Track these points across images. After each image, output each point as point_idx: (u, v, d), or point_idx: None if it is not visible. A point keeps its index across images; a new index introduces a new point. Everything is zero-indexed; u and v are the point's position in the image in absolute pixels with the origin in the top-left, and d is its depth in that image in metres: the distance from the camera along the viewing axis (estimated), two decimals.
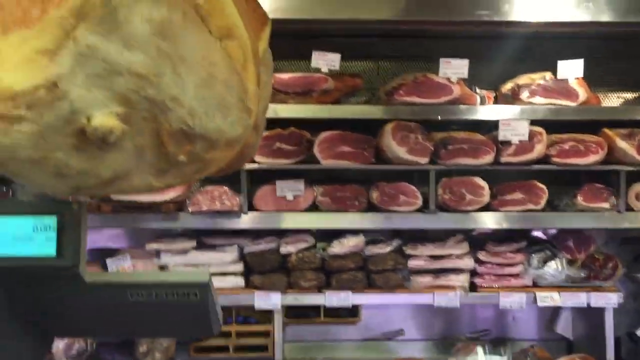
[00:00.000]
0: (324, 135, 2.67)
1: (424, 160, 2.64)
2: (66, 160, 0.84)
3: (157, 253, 2.72)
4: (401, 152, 2.61)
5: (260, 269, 2.77)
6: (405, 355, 3.03)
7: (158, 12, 0.84)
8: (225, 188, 2.62)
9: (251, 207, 2.68)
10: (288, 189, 2.69)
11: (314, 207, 2.73)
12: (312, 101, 2.71)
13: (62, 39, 0.80)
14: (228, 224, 2.67)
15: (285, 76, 2.71)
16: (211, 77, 0.90)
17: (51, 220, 0.96)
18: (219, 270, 2.73)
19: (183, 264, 2.71)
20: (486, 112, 2.67)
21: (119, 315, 1.05)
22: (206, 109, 0.90)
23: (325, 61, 2.68)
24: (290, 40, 2.71)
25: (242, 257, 2.79)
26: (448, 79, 2.65)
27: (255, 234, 2.82)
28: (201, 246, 2.77)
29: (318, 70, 2.69)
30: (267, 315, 2.84)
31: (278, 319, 2.79)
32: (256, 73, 0.97)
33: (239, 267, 2.76)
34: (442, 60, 2.64)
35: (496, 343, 3.13)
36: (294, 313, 2.92)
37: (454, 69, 2.64)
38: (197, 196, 2.61)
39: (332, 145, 2.67)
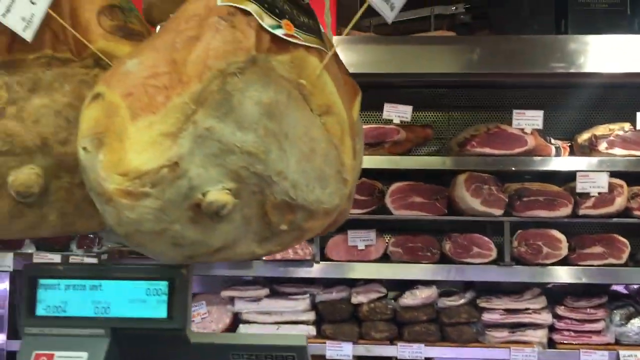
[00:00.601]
0: (396, 185, 2.71)
1: (498, 212, 2.62)
2: (182, 231, 0.91)
3: (231, 300, 2.79)
4: (475, 203, 2.60)
5: (331, 319, 2.79)
6: None
7: (267, 94, 0.91)
8: None
9: (323, 256, 2.73)
10: (360, 238, 2.72)
11: (385, 257, 2.75)
12: (383, 152, 2.76)
13: (183, 123, 0.88)
14: (300, 273, 2.72)
15: None
16: (312, 152, 0.96)
17: (163, 285, 1.03)
18: (291, 318, 2.77)
19: (256, 311, 2.77)
20: (563, 163, 2.64)
21: None
22: (307, 181, 0.96)
23: (397, 113, 2.74)
24: (362, 92, 2.79)
25: (314, 305, 2.82)
26: (522, 130, 2.65)
27: (326, 283, 2.85)
28: (274, 294, 2.83)
29: (390, 121, 2.74)
30: None
31: None
32: (352, 146, 1.02)
33: (311, 316, 2.79)
34: (516, 112, 2.65)
35: None
36: None
37: (527, 119, 2.64)
38: None
39: (404, 195, 2.70)
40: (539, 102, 2.95)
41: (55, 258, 2.54)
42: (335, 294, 2.81)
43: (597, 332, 2.67)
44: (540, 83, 2.92)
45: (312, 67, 0.97)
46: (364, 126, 2.78)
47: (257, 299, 2.79)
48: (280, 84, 0.94)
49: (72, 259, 2.53)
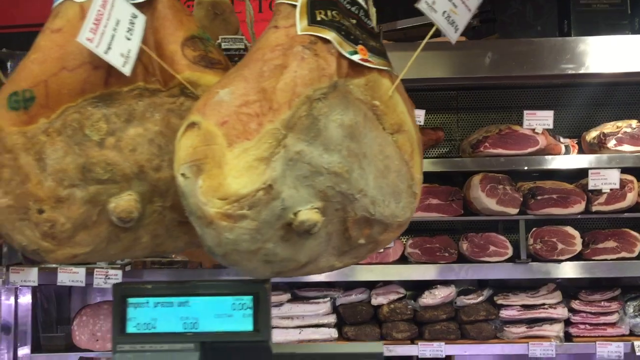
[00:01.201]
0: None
1: (513, 210, 2.70)
2: (274, 249, 0.97)
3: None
4: (491, 203, 2.68)
5: (352, 321, 2.85)
6: None
7: (347, 117, 0.97)
8: None
9: None
10: None
11: (403, 259, 2.82)
12: None
13: (275, 147, 0.94)
14: (320, 277, 2.77)
15: None
16: (386, 168, 1.02)
17: (248, 300, 1.09)
18: (313, 322, 2.82)
19: (278, 316, 2.82)
20: (574, 161, 2.73)
21: None
22: (383, 197, 1.02)
23: None
24: None
25: (335, 308, 2.88)
26: (533, 130, 2.73)
27: (346, 286, 2.91)
28: (295, 298, 2.88)
29: None
30: None
31: None
32: (420, 161, 1.09)
33: (332, 318, 2.85)
34: (526, 112, 2.72)
35: None
36: None
37: (538, 119, 2.72)
38: None
39: (421, 198, 2.76)
40: (545, 102, 3.04)
41: (80, 271, 2.57)
42: (355, 296, 2.88)
43: (612, 324, 2.77)
44: (547, 84, 3.01)
45: (384, 89, 1.03)
46: None
47: (279, 304, 2.84)
48: (358, 106, 1.00)
49: (97, 272, 2.56)
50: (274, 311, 2.83)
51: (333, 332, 2.85)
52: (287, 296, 2.86)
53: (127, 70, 1.00)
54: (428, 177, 2.80)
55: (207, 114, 0.95)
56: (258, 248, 0.96)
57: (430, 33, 1.07)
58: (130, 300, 1.09)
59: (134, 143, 1.03)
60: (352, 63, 1.00)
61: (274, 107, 0.95)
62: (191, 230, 1.00)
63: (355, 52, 1.00)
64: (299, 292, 2.92)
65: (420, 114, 2.80)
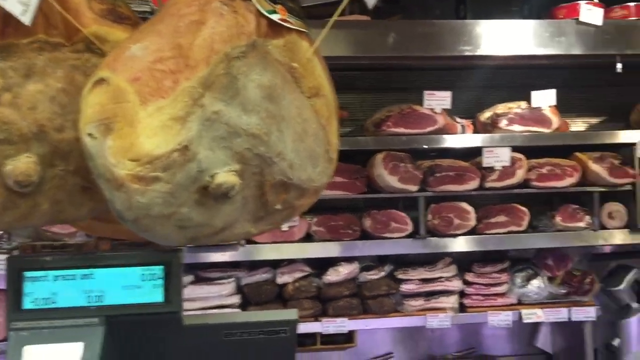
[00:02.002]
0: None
1: (414, 188, 2.80)
2: (189, 214, 0.93)
3: None
4: (393, 180, 2.76)
5: (257, 300, 2.84)
6: None
7: (266, 78, 0.95)
8: None
9: (247, 239, 2.76)
10: None
11: (308, 237, 2.84)
12: None
13: (191, 107, 0.90)
14: (225, 257, 2.74)
15: None
16: (304, 132, 1.02)
17: (158, 270, 1.04)
18: (217, 303, 2.78)
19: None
20: (469, 139, 2.87)
21: (213, 356, 1.12)
22: (301, 160, 1.01)
23: None
24: None
25: (239, 289, 2.85)
26: (432, 110, 2.84)
27: (251, 266, 2.90)
28: (198, 280, 2.82)
29: None
30: None
31: None
32: (337, 126, 1.09)
33: (237, 299, 2.82)
34: (426, 93, 2.83)
35: (481, 359, 3.31)
36: None
37: (437, 100, 2.83)
38: None
39: None
40: (444, 84, 3.15)
41: None
42: (260, 276, 2.87)
43: (502, 295, 2.96)
44: (446, 65, 3.13)
45: (303, 51, 1.02)
46: None
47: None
48: (276, 67, 0.98)
49: None
50: None
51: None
52: (190, 278, 2.80)
53: (26, 19, 0.92)
54: None
55: (118, 70, 0.90)
56: (172, 212, 0.92)
57: (340, 9, 1.06)
58: (27, 274, 1.01)
59: (34, 100, 0.95)
60: (271, 23, 0.98)
61: (190, 64, 0.91)
62: (96, 197, 0.94)
63: (275, 12, 0.98)
64: (202, 274, 2.86)
65: None
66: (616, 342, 2.98)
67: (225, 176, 0.93)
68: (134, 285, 1.04)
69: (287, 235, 2.80)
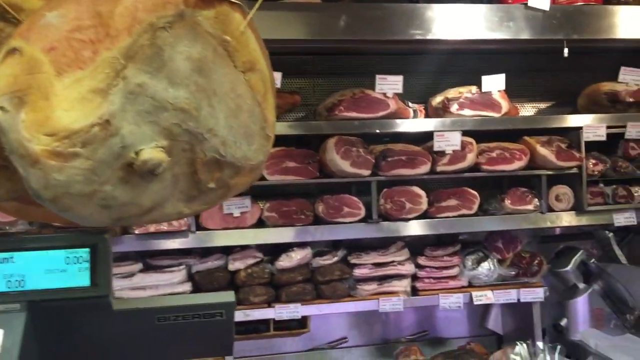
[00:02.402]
0: (271, 151, 2.75)
1: (366, 172, 2.79)
2: (113, 192, 0.88)
3: None
4: (345, 165, 2.74)
5: (208, 287, 2.79)
6: None
7: (196, 50, 0.91)
8: None
9: (198, 226, 2.71)
10: (235, 206, 2.74)
11: (260, 223, 2.80)
12: None
13: (113, 79, 0.85)
14: (175, 244, 2.68)
15: None
16: (238, 108, 0.97)
17: (84, 252, 0.99)
18: (168, 291, 2.72)
19: (130, 287, 2.69)
20: (420, 124, 2.87)
21: (146, 341, 1.08)
22: (235, 138, 0.97)
23: None
24: None
25: (191, 276, 2.80)
26: (384, 94, 2.83)
27: (203, 253, 2.84)
28: (148, 268, 2.76)
29: None
30: None
31: None
32: (274, 103, 1.05)
33: (187, 286, 2.77)
34: (378, 77, 2.81)
35: (434, 342, 3.35)
36: (243, 329, 2.96)
37: (389, 84, 2.82)
38: None
39: (277, 161, 2.76)
40: (397, 69, 3.15)
41: None
42: (211, 263, 2.82)
43: (453, 277, 2.99)
44: (398, 50, 3.12)
45: (235, 23, 0.98)
46: None
47: (130, 275, 2.71)
48: (207, 39, 0.94)
49: None
50: (124, 283, 2.69)
51: None
52: (139, 266, 2.73)
53: None
54: (285, 140, 2.81)
55: (32, 39, 0.84)
56: (94, 191, 0.87)
57: None
58: None
59: None
60: None
61: (111, 33, 0.85)
62: (14, 177, 0.88)
63: None
64: (151, 261, 2.80)
65: (277, 76, 2.78)
66: (563, 322, 3.05)
67: (152, 152, 0.88)
68: (57, 269, 0.98)
69: (239, 221, 2.76)
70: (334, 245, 3.05)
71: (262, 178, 2.75)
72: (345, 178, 2.81)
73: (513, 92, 3.24)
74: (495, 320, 3.37)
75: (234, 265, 2.82)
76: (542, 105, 3.45)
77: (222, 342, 1.12)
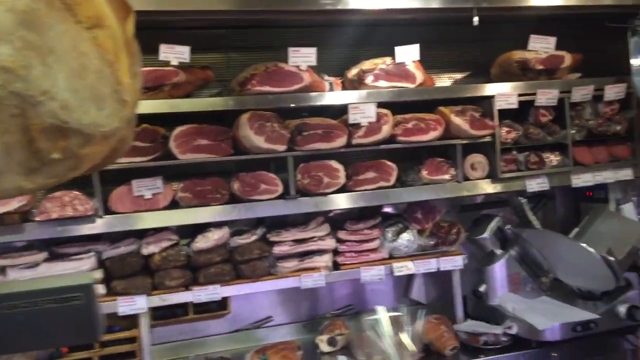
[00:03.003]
0: (180, 129, 2.63)
1: (281, 147, 2.70)
2: None
3: (3, 270, 2.49)
4: (259, 141, 2.65)
5: (121, 274, 2.66)
6: (274, 341, 3.09)
7: (22, 1, 0.79)
8: (76, 192, 2.48)
9: (107, 210, 2.56)
10: (145, 187, 2.61)
11: (174, 204, 2.68)
12: (163, 96, 2.65)
13: None
14: (82, 230, 2.52)
15: None
16: (83, 68, 0.86)
17: None
18: None
19: (34, 278, 2.51)
20: (336, 97, 2.81)
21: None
22: (80, 101, 0.86)
23: (174, 54, 2.63)
24: (136, 33, 2.61)
25: (101, 263, 2.65)
26: (298, 67, 2.74)
27: (113, 238, 2.70)
28: (53, 257, 2.59)
29: (167, 63, 2.63)
30: (133, 321, 2.74)
31: (145, 323, 2.70)
32: (129, 64, 0.95)
33: (98, 274, 2.62)
34: (291, 49, 2.72)
35: (360, 316, 3.32)
36: (162, 314, 2.84)
37: (302, 57, 2.73)
38: (45, 204, 2.43)
39: (188, 139, 2.64)
40: (312, 41, 3.05)
41: None
42: (123, 248, 2.68)
43: (374, 250, 2.96)
44: (312, 22, 3.03)
45: None
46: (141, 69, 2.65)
47: (34, 265, 2.53)
48: None
49: None
50: (29, 273, 2.52)
51: (100, 289, 2.63)
52: (44, 255, 2.56)
53: None
54: (198, 118, 2.69)
55: None
56: None
57: None
58: None
59: None
60: None
61: None
62: None
63: None
64: (57, 250, 2.63)
65: (184, 51, 2.65)
66: (482, 287, 3.08)
67: None
68: None
69: (151, 204, 2.62)
70: (254, 223, 2.97)
71: (173, 157, 2.63)
72: (260, 154, 2.71)
73: (429, 63, 3.22)
74: (418, 290, 3.38)
75: (147, 249, 2.69)
76: (459, 76, 3.45)
77: (85, 327, 1.02)
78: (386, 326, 2.79)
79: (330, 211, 2.98)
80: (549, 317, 2.80)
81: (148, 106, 2.57)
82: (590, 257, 2.78)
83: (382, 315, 2.73)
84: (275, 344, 2.85)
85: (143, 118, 2.60)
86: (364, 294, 3.41)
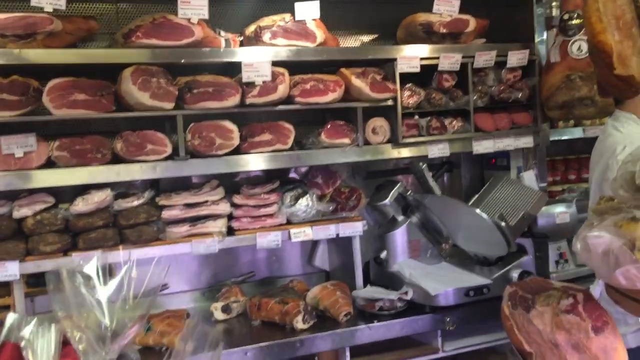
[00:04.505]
0: (54, 82, 2.37)
1: (169, 105, 2.50)
2: None
3: None
4: (144, 97, 2.43)
5: None
6: (172, 308, 2.92)
7: None
8: None
9: None
10: (16, 145, 2.36)
11: (50, 164, 2.44)
12: (37, 45, 2.39)
13: None
14: None
15: (0, 16, 2.34)
16: None
17: None
18: None
19: None
20: (230, 54, 2.61)
21: None
22: None
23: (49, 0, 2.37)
24: None
25: None
26: (188, 20, 2.53)
27: None
28: None
29: (41, 9, 2.36)
30: (6, 288, 2.51)
31: (19, 291, 2.48)
32: None
33: None
34: (180, 1, 2.50)
35: (262, 283, 3.20)
36: (37, 281, 2.61)
37: (193, 9, 2.52)
38: None
39: (64, 93, 2.39)
40: None
41: None
42: None
43: (271, 215, 2.80)
44: None
45: None
46: (9, 15, 2.37)
47: None
48: None
49: None
50: None
51: None
52: None
53: None
54: (73, 71, 2.44)
55: None
56: None
57: None
58: None
59: None
60: None
61: None
62: None
63: None
64: None
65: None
66: (383, 254, 2.99)
67: None
68: None
69: (23, 163, 2.38)
70: (147, 187, 2.76)
71: (47, 113, 2.38)
72: (145, 112, 2.50)
73: (334, 24, 3.07)
74: (321, 258, 3.27)
75: (20, 212, 2.44)
76: (366, 38, 3.31)
77: None
78: None
79: (225, 174, 2.80)
80: (443, 283, 2.75)
81: (17, 56, 2.31)
82: (484, 223, 2.73)
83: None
84: (163, 312, 2.68)
85: (12, 69, 2.35)
86: (266, 261, 3.27)
